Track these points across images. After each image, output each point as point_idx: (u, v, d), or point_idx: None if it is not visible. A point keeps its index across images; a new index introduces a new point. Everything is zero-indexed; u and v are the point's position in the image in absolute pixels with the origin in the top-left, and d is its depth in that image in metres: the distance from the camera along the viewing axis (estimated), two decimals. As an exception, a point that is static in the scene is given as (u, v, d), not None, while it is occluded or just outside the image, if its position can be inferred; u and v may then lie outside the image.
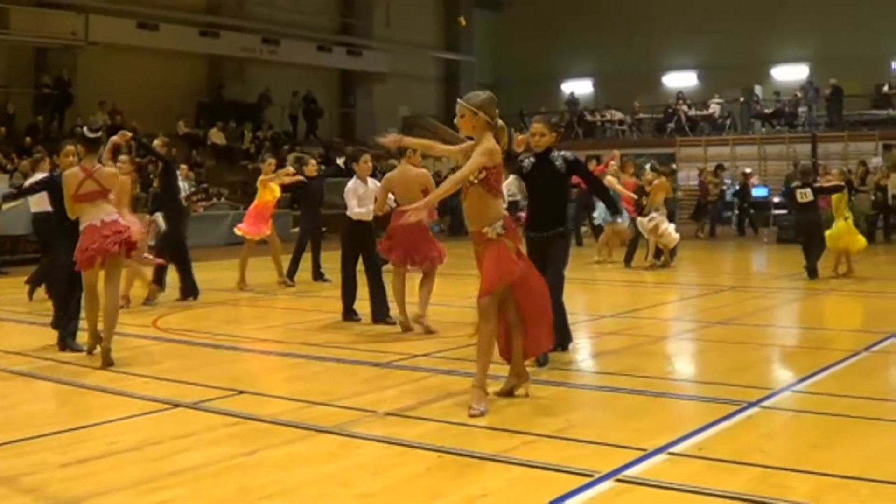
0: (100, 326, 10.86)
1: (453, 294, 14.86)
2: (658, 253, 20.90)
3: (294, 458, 6.70)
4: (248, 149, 37.12)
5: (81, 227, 10.71)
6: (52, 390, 9.67)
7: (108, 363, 10.41)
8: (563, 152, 10.41)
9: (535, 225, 10.35)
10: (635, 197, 22.59)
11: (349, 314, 13.45)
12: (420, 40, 47.30)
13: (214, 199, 31.83)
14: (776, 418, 8.05)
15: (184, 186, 24.29)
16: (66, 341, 11.56)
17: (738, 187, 34.06)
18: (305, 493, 6.09)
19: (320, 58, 42.15)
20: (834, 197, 18.58)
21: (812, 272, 17.82)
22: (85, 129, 11.16)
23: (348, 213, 13.05)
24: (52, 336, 12.19)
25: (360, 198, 13.02)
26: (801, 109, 39.62)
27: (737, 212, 34.42)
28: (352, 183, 13.14)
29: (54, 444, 7.36)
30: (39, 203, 14.83)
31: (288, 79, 40.79)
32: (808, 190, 18.07)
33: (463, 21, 45.91)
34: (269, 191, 17.67)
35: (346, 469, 6.58)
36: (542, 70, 47.35)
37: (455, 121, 8.62)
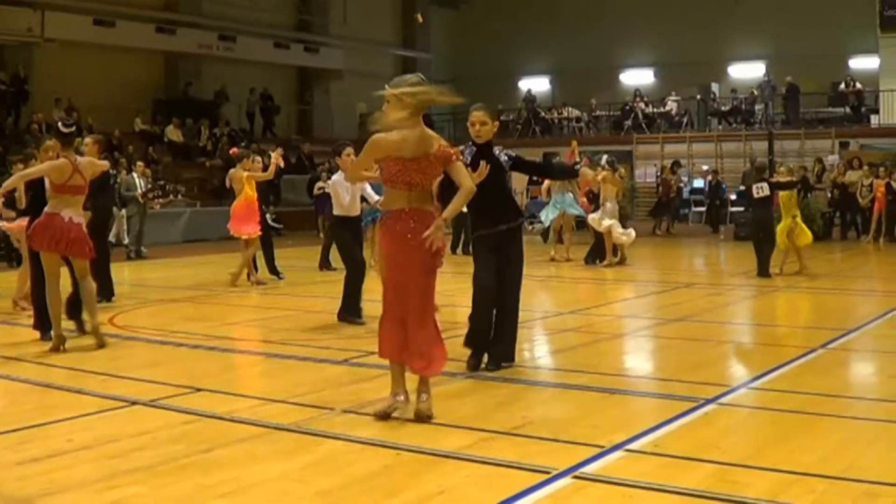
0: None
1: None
2: (615, 250, 20.96)
3: (251, 456, 6.69)
4: (204, 146, 36.97)
5: (48, 211, 11.06)
6: (7, 387, 9.60)
7: (102, 343, 11.29)
8: (504, 150, 9.98)
9: (487, 220, 9.64)
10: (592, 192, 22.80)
11: (354, 315, 12.95)
12: (377, 37, 47.23)
13: (171, 197, 31.71)
14: (732, 415, 8.10)
15: (140, 183, 24.27)
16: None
17: (708, 184, 34.19)
18: (263, 491, 6.08)
19: (277, 55, 42.03)
20: (783, 194, 18.65)
21: (764, 272, 17.87)
22: (59, 123, 11.49)
23: (337, 210, 12.90)
24: (5, 333, 12.15)
25: (349, 192, 12.86)
26: (758, 107, 39.82)
27: (704, 209, 34.63)
28: (337, 177, 13.02)
29: (8, 442, 7.32)
30: None
31: (245, 76, 40.66)
32: (764, 185, 18.14)
33: (420, 18, 45.93)
34: (252, 188, 17.48)
35: (304, 466, 6.57)
36: (499, 67, 47.35)
37: None
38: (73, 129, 11.43)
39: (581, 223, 23.92)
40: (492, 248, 9.57)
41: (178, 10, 38.71)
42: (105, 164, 12.89)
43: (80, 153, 12.23)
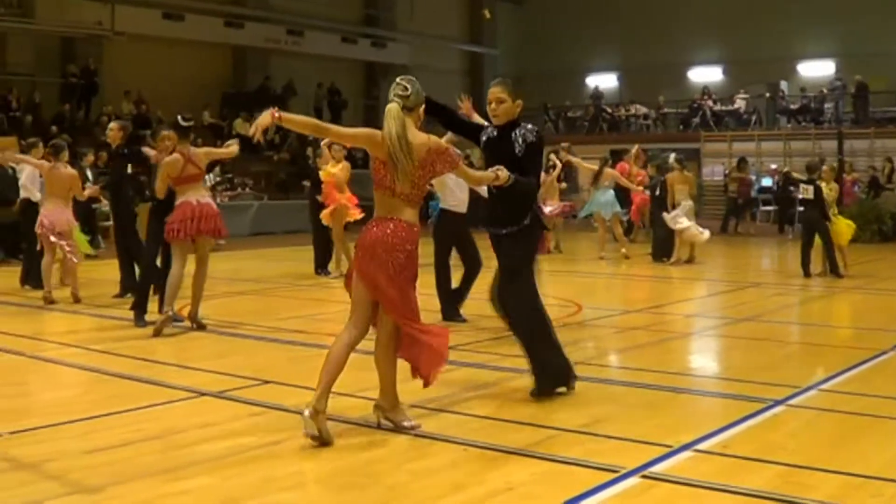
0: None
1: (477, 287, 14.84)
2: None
3: (318, 449, 6.68)
4: (272, 140, 37.12)
5: (178, 203, 11.88)
6: (77, 377, 9.71)
7: (201, 326, 12.22)
8: (528, 128, 8.39)
9: (492, 218, 8.60)
10: (639, 189, 22.72)
11: (453, 314, 12.75)
12: (444, 33, 47.25)
13: (239, 189, 31.92)
14: (801, 417, 8.01)
15: (209, 177, 24.44)
16: (139, 318, 12.56)
17: (777, 184, 33.77)
18: (329, 485, 6.10)
19: (344, 49, 42.16)
20: (826, 193, 18.37)
21: (805, 272, 17.71)
22: (179, 117, 12.37)
23: (443, 204, 12.83)
24: (76, 322, 12.29)
25: (457, 185, 12.44)
26: (827, 106, 39.40)
27: (774, 208, 34.24)
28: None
29: (77, 431, 7.42)
30: (29, 191, 15.11)
31: (312, 70, 40.79)
32: (811, 186, 17.93)
33: (487, 14, 45.82)
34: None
35: (371, 461, 6.58)
36: (566, 63, 47.24)
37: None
38: (192, 122, 12.35)
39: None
40: (495, 251, 8.67)
41: (247, 4, 38.94)
42: (223, 152, 13.57)
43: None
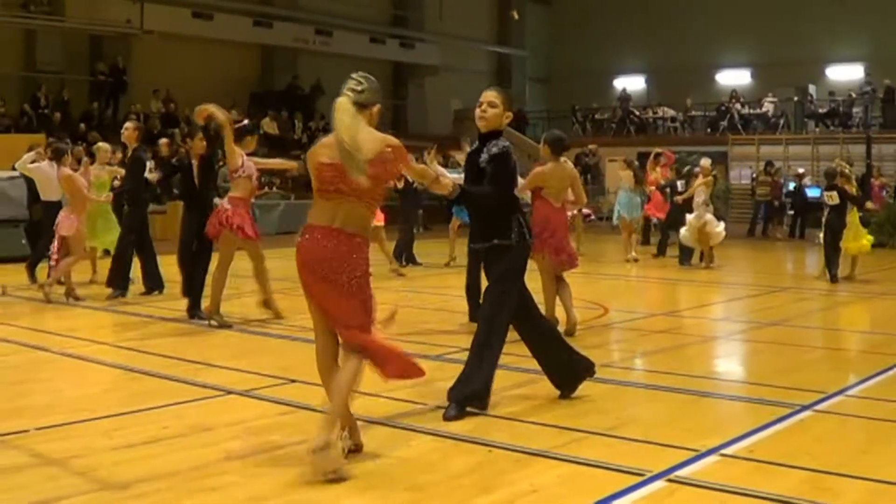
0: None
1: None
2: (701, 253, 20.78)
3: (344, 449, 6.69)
4: (299, 139, 37.19)
5: (233, 197, 12.43)
6: (103, 374, 9.74)
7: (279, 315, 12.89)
8: (499, 143, 7.95)
9: (472, 232, 8.41)
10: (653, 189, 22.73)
11: None
12: (472, 33, 47.24)
13: (266, 189, 31.96)
14: (827, 422, 7.97)
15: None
16: (194, 311, 12.93)
17: (792, 188, 33.57)
18: (355, 485, 6.09)
19: (372, 50, 42.20)
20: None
21: (832, 277, 17.62)
22: (245, 123, 13.33)
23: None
24: (101, 319, 12.34)
25: None
26: (856, 110, 39.25)
27: (790, 213, 34.00)
28: None
29: (104, 428, 7.45)
30: (51, 192, 15.15)
31: (340, 70, 40.50)
32: (834, 192, 17.83)
33: (516, 15, 45.84)
34: None
35: (396, 461, 6.59)
36: (594, 65, 47.21)
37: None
38: (247, 122, 13.16)
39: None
40: (477, 267, 8.55)
41: (275, 3, 39.05)
42: (275, 164, 14.75)
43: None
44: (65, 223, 14.45)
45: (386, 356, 6.60)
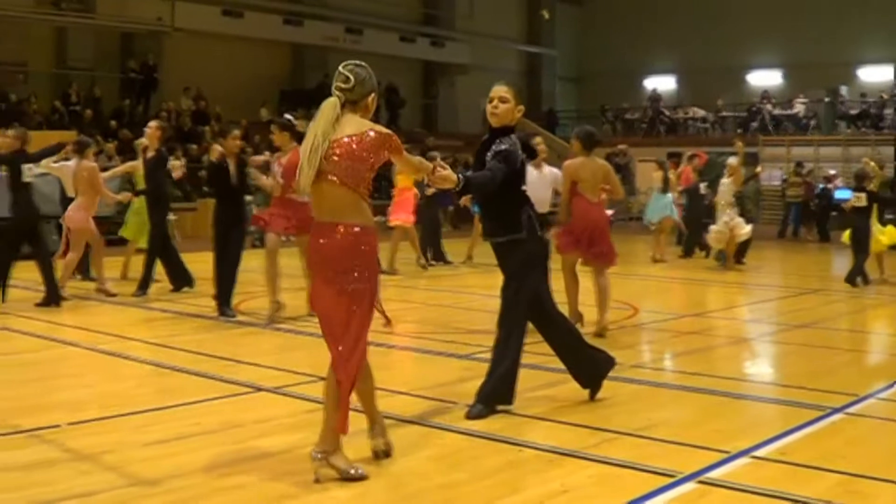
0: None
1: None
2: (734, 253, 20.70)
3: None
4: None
5: (291, 198, 12.24)
6: (134, 370, 9.77)
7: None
8: (509, 139, 7.86)
9: (484, 228, 8.45)
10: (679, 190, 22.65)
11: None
12: (503, 33, 47.17)
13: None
14: (859, 425, 7.95)
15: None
16: (224, 308, 13.01)
17: (821, 189, 33.34)
18: (384, 483, 6.10)
19: (403, 48, 42.20)
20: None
21: (852, 280, 17.49)
22: (290, 117, 13.15)
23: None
24: (131, 315, 12.40)
25: (539, 181, 11.92)
26: (887, 111, 39.06)
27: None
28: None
29: (135, 424, 7.48)
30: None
31: (371, 68, 40.81)
32: (863, 194, 17.70)
33: (546, 14, 45.77)
34: (408, 178, 18.03)
35: (426, 460, 6.59)
36: (624, 65, 47.10)
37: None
38: (300, 121, 12.78)
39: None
40: (497, 261, 8.24)
41: (306, 2, 39.06)
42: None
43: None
44: (73, 216, 14.47)
45: (344, 403, 6.22)
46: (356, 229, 6.19)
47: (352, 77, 6.35)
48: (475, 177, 7.63)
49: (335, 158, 6.16)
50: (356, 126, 6.25)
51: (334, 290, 6.18)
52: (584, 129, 12.20)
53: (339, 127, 6.22)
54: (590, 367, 8.36)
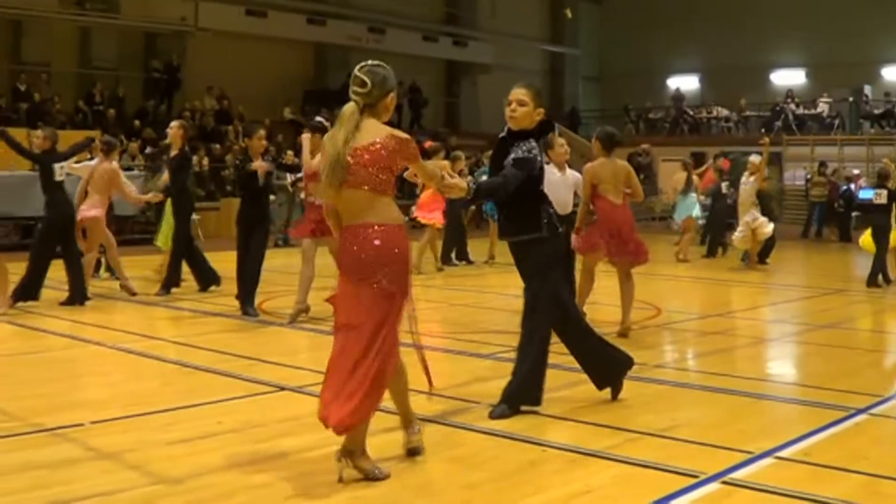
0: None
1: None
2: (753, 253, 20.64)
3: (397, 447, 6.68)
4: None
5: (313, 201, 12.49)
6: (157, 369, 9.80)
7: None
8: (529, 145, 7.68)
9: (500, 227, 8.31)
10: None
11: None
12: (525, 32, 47.11)
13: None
14: (883, 426, 7.93)
15: (289, 176, 24.64)
16: (246, 307, 13.04)
17: (844, 189, 33.16)
18: (407, 482, 6.10)
19: (426, 48, 42.20)
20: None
21: (874, 282, 17.40)
22: (323, 120, 13.11)
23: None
24: (154, 314, 12.43)
25: (562, 183, 11.85)
26: (912, 111, 38.95)
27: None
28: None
29: (159, 422, 7.49)
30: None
31: (393, 68, 40.54)
32: (883, 191, 17.64)
33: (569, 13, 45.70)
34: None
35: (449, 459, 6.59)
36: (647, 64, 47.02)
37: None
38: (328, 124, 12.63)
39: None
40: (515, 260, 8.12)
41: (329, 1, 39.09)
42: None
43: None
44: (88, 215, 14.49)
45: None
46: (386, 229, 6.18)
47: (368, 80, 6.29)
48: (486, 184, 7.60)
49: (359, 166, 6.13)
50: (377, 132, 6.22)
51: (364, 292, 6.16)
52: (604, 129, 12.17)
53: (360, 133, 6.19)
54: (610, 367, 8.31)
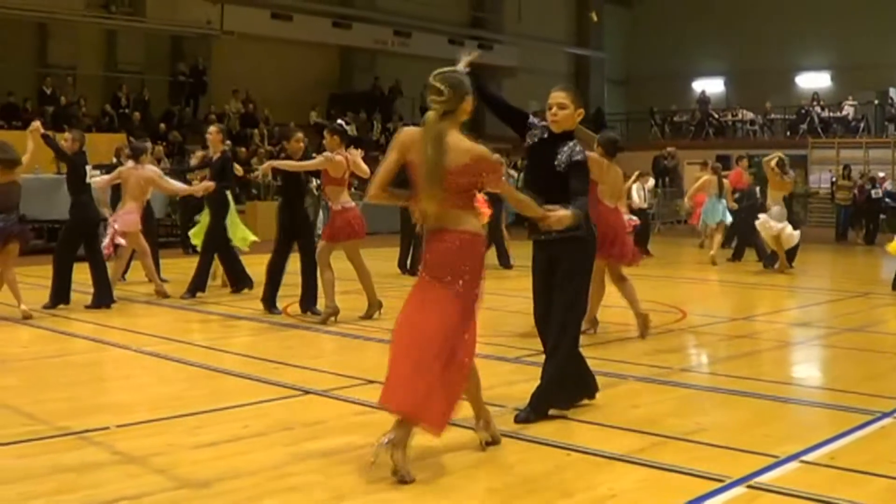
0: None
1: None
2: (775, 257, 20.58)
3: (423, 451, 6.65)
4: (377, 140, 37.33)
5: (336, 207, 12.94)
6: (183, 371, 9.82)
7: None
8: (578, 147, 7.76)
9: (532, 223, 7.86)
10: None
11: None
12: (551, 35, 47.12)
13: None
14: (910, 429, 7.91)
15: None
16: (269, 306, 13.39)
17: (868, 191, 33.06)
18: (432, 486, 6.10)
19: (451, 51, 41.67)
20: None
21: None
22: (343, 123, 13.51)
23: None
24: (184, 317, 12.47)
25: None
26: (937, 113, 38.83)
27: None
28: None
29: (185, 426, 7.51)
30: None
31: (418, 71, 40.77)
32: None
33: (595, 16, 45.66)
34: None
35: (474, 463, 6.59)
36: (673, 67, 46.98)
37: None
38: (350, 126, 12.56)
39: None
40: (545, 261, 7.98)
41: (354, 4, 39.19)
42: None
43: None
44: (125, 220, 14.53)
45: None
46: (467, 236, 6.46)
47: (444, 87, 6.51)
48: (581, 204, 7.43)
49: (451, 190, 6.37)
50: (466, 152, 6.41)
51: (443, 294, 6.43)
52: (605, 135, 12.17)
53: (451, 155, 6.35)
54: (576, 383, 8.11)
